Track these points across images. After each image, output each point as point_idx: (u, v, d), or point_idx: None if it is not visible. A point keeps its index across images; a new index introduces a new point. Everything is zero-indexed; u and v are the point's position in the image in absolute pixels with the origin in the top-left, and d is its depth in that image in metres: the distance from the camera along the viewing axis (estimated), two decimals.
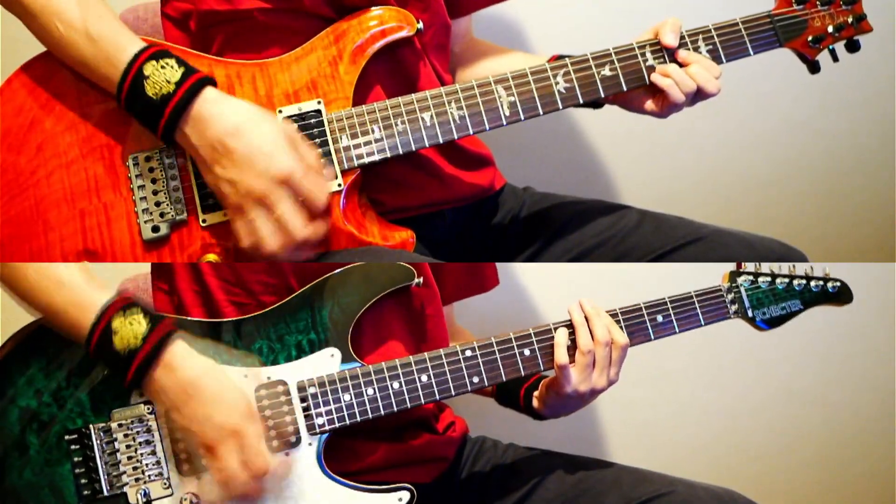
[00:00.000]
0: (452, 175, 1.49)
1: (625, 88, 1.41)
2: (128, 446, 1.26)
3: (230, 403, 1.21)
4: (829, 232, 2.10)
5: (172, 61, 1.26)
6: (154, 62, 1.25)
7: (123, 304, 1.21)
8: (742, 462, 2.02)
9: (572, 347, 1.35)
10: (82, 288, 1.22)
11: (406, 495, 1.29)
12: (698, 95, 1.42)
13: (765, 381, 2.01)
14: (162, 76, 1.24)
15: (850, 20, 1.47)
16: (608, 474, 1.41)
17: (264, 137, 1.25)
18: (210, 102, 1.25)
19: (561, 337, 1.35)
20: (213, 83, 1.27)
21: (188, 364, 1.21)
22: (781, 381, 2.01)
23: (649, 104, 1.45)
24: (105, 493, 1.24)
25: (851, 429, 2.04)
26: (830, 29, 1.47)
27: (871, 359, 2.02)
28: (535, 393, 1.42)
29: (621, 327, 1.37)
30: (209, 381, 1.21)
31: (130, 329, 1.20)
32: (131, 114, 1.28)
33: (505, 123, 1.38)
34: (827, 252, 2.07)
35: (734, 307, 1.44)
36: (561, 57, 1.43)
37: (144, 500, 1.25)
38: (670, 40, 1.42)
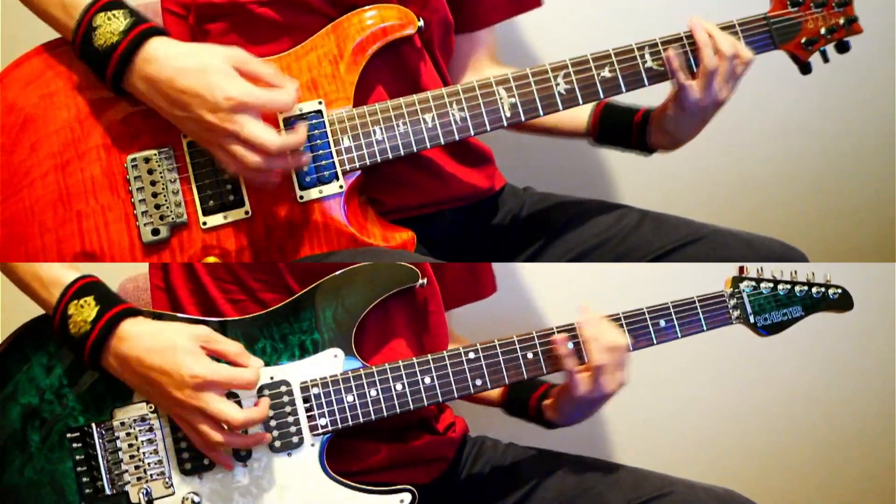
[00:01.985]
0: (452, 174, 1.49)
1: (624, 90, 1.41)
2: (130, 445, 1.26)
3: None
4: (829, 232, 2.09)
5: (121, 12, 1.27)
6: (103, 13, 1.26)
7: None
8: (742, 462, 2.02)
9: (573, 352, 1.35)
10: None
11: (408, 497, 1.29)
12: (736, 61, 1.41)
13: (764, 380, 2.01)
14: (109, 27, 1.26)
15: (842, 22, 1.48)
16: (608, 474, 1.41)
17: (209, 71, 1.25)
18: (153, 50, 1.26)
19: (562, 345, 1.34)
20: (162, 33, 1.28)
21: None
22: (781, 380, 2.01)
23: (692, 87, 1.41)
24: (107, 491, 1.24)
25: (851, 429, 2.04)
26: (823, 31, 1.48)
27: (871, 359, 2.02)
28: (547, 402, 1.42)
29: (624, 331, 1.37)
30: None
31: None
32: (83, 61, 1.29)
33: (506, 125, 1.38)
34: (827, 252, 2.07)
35: (736, 312, 1.44)
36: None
37: (146, 499, 1.25)
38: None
